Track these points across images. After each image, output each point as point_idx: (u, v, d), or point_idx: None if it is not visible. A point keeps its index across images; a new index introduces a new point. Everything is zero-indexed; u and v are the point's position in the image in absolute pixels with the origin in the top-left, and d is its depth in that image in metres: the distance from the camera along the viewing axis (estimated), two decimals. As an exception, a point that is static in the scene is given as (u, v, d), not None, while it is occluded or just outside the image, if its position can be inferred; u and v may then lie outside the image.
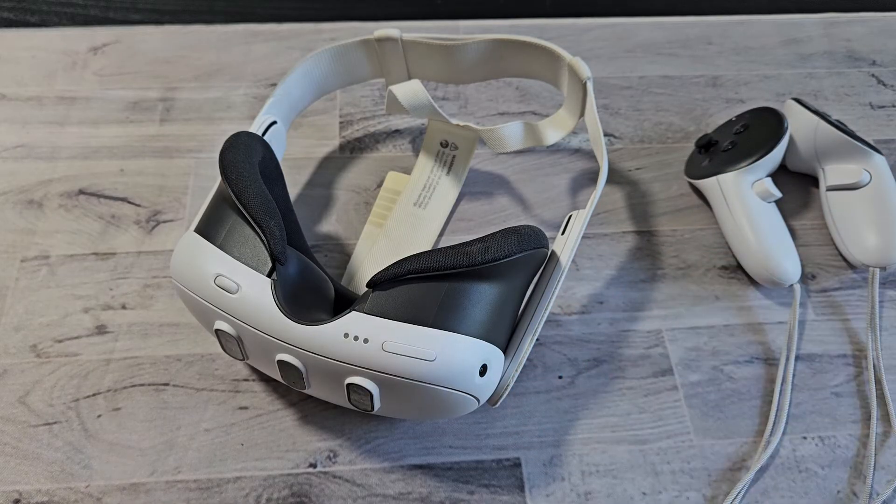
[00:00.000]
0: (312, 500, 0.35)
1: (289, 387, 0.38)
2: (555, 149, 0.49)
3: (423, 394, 0.29)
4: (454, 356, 0.28)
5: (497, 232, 0.30)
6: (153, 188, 0.45)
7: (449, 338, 0.28)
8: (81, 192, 0.45)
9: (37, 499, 0.34)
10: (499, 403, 0.33)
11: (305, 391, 0.33)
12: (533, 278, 0.34)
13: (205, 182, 0.46)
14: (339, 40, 0.44)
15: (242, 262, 0.30)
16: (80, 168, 0.46)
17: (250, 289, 0.29)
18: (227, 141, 0.34)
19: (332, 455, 0.36)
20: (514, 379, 0.32)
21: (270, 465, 0.36)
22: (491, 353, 0.30)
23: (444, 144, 0.47)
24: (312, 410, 0.37)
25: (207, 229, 0.32)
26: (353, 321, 0.28)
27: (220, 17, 0.55)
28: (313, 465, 0.36)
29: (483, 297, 0.29)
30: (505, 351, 0.32)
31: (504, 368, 0.32)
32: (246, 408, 0.37)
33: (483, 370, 0.29)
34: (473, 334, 0.29)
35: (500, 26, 0.56)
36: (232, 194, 0.31)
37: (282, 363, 0.30)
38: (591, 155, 0.49)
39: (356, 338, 0.28)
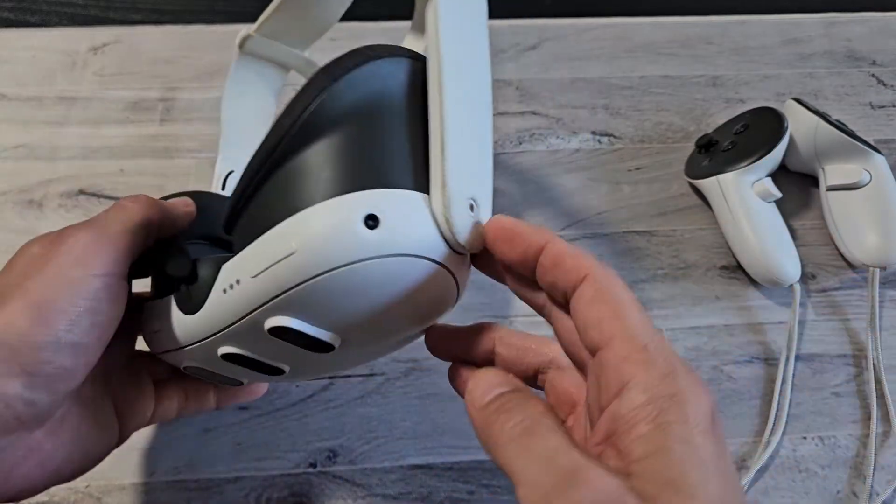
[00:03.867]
0: (312, 500, 0.35)
1: (287, 387, 0.38)
2: (555, 149, 0.49)
3: (330, 295, 0.23)
4: (316, 229, 0.22)
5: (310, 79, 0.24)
6: (153, 188, 0.45)
7: (298, 220, 0.22)
8: (81, 192, 0.45)
9: (37, 498, 0.34)
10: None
11: (282, 377, 0.29)
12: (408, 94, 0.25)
13: (205, 182, 0.46)
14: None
15: (161, 315, 0.28)
16: (80, 168, 0.46)
17: (167, 319, 0.27)
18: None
19: (331, 455, 0.36)
20: (489, 209, 0.25)
21: (270, 465, 0.36)
22: (372, 200, 0.22)
23: None
24: (312, 410, 0.37)
25: (156, 293, 0.30)
26: (223, 275, 0.24)
27: (220, 17, 0.55)
28: (313, 465, 0.36)
29: (320, 156, 0.23)
30: (426, 188, 0.24)
31: (442, 204, 0.23)
32: (246, 408, 0.37)
33: (371, 220, 0.22)
34: (334, 194, 0.22)
35: (500, 26, 0.56)
36: (162, 260, 0.28)
37: (228, 356, 0.26)
38: (591, 155, 0.49)
39: (229, 287, 0.24)
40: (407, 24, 0.39)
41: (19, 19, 0.55)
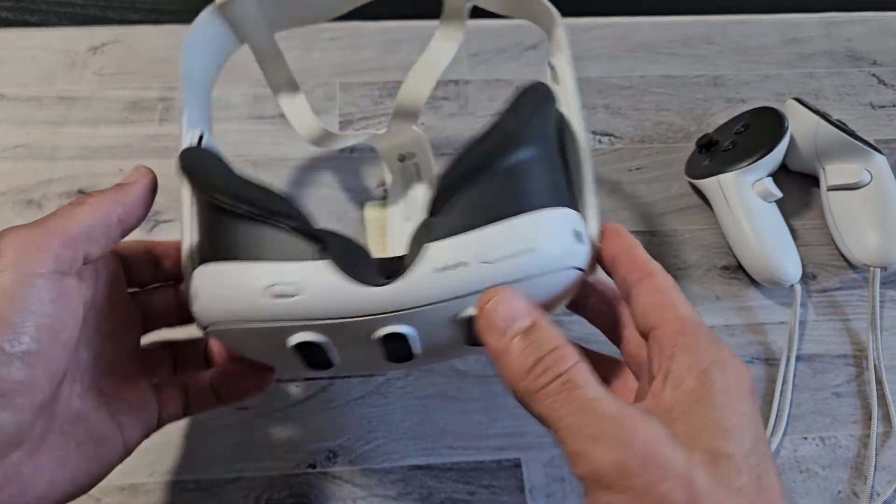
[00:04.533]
0: (312, 500, 0.35)
1: (287, 387, 0.38)
2: (555, 148, 0.49)
3: (536, 288, 0.25)
4: (551, 234, 0.25)
5: (512, 99, 0.27)
6: (153, 188, 0.45)
7: (536, 218, 0.25)
8: (81, 192, 0.45)
9: (36, 499, 0.34)
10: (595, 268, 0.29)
11: (408, 365, 0.29)
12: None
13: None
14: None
15: (283, 261, 0.25)
16: (79, 168, 0.46)
17: (312, 281, 0.25)
18: (182, 159, 0.28)
19: (331, 455, 0.36)
20: (599, 233, 0.29)
21: (270, 465, 0.36)
22: (574, 217, 0.27)
23: (402, 158, 0.45)
24: (312, 411, 0.37)
25: (216, 253, 0.26)
26: (437, 253, 0.24)
27: (219, 17, 0.55)
28: (313, 466, 0.36)
29: (538, 165, 0.26)
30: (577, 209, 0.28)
31: (585, 227, 0.28)
32: (246, 408, 0.37)
33: (577, 236, 0.26)
34: (551, 204, 0.26)
35: (500, 25, 0.56)
36: (225, 197, 0.26)
37: (388, 338, 0.26)
38: (591, 154, 0.48)
39: (452, 266, 0.24)
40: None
41: (18, 19, 0.54)
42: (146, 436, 0.29)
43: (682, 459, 0.19)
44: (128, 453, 0.28)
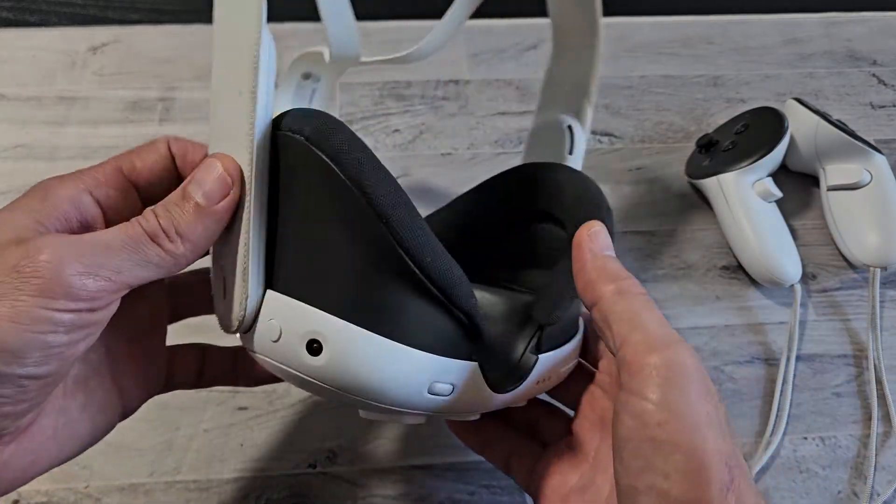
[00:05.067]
0: (312, 500, 0.35)
1: (287, 387, 0.38)
2: (555, 148, 0.49)
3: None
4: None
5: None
6: (153, 188, 0.45)
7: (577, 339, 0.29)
8: (81, 191, 0.45)
9: (36, 499, 0.34)
10: None
11: None
12: None
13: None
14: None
15: (444, 356, 0.23)
16: (79, 168, 0.46)
17: (465, 383, 0.24)
18: (321, 128, 0.22)
19: (331, 455, 0.36)
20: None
21: (270, 465, 0.36)
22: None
23: (306, 76, 0.38)
24: (312, 411, 0.37)
25: (364, 314, 0.22)
26: (543, 366, 0.27)
27: (219, 17, 0.55)
28: (313, 466, 0.36)
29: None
30: None
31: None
32: (245, 408, 0.37)
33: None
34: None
35: (500, 25, 0.56)
36: (405, 256, 0.21)
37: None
38: (591, 154, 0.48)
39: (545, 379, 0.27)
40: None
41: (18, 19, 0.54)
42: (149, 397, 0.28)
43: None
44: (127, 415, 0.27)
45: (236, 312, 0.23)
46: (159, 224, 0.22)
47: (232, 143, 0.23)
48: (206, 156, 0.24)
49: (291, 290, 0.23)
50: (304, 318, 0.22)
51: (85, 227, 0.23)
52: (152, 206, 0.23)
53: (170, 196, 0.23)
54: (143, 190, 0.25)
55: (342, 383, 0.23)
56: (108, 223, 0.24)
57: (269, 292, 0.23)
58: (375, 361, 0.22)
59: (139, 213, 0.23)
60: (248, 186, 0.22)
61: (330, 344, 0.22)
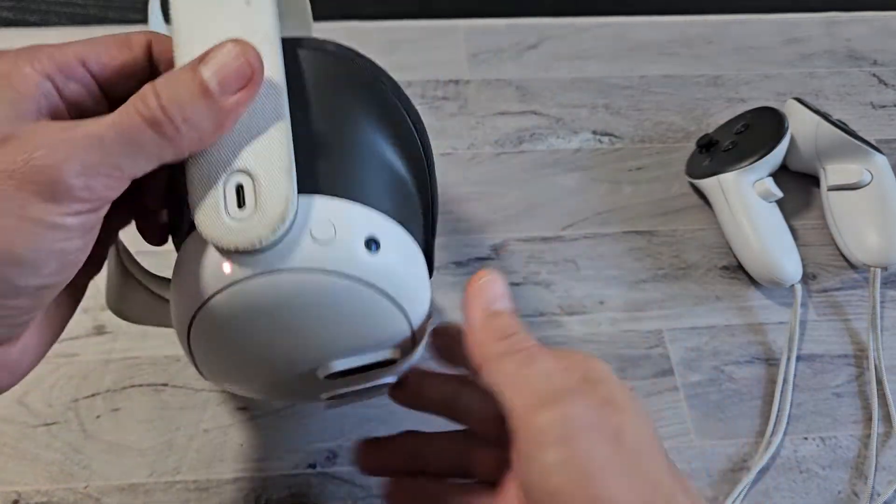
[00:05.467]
0: (312, 500, 0.35)
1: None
2: (555, 149, 0.49)
3: None
4: None
5: None
6: (152, 188, 0.45)
7: None
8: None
9: (36, 499, 0.34)
10: None
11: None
12: None
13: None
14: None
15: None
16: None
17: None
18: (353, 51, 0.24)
19: (331, 456, 0.36)
20: None
21: (269, 465, 0.36)
22: None
23: None
24: (312, 411, 0.37)
25: (404, 220, 0.25)
26: None
27: (219, 17, 0.55)
28: (312, 466, 0.36)
29: None
30: None
31: None
32: (245, 408, 0.37)
33: None
34: None
35: (500, 25, 0.56)
36: (429, 178, 0.27)
37: None
38: (591, 154, 0.48)
39: None
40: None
41: (19, 18, 0.54)
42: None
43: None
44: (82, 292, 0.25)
45: (277, 218, 0.20)
46: (163, 110, 0.19)
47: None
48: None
49: (339, 193, 0.22)
50: (367, 218, 0.23)
51: (54, 118, 0.21)
52: (152, 84, 0.20)
53: (175, 74, 0.20)
54: (105, 89, 0.22)
55: (389, 280, 0.23)
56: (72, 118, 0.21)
57: (317, 195, 0.22)
58: (414, 262, 0.24)
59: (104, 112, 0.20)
60: (278, 85, 0.21)
61: (385, 242, 0.23)
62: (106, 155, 0.19)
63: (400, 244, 0.24)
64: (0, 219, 0.18)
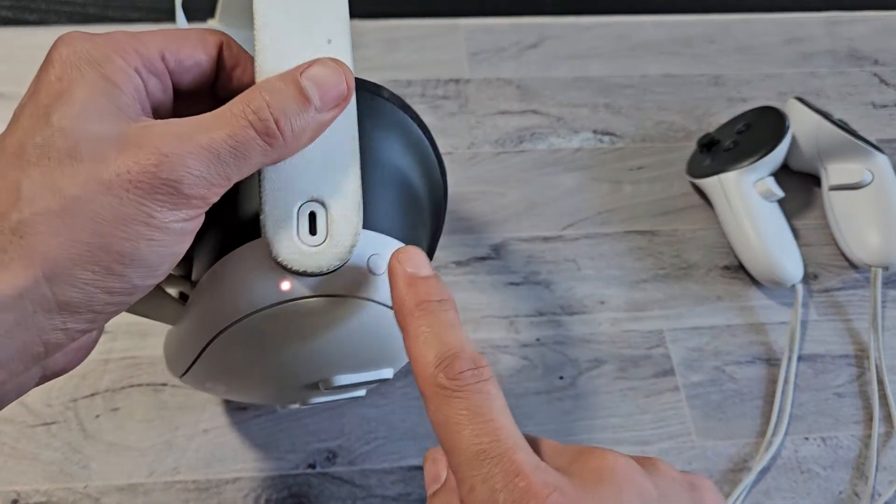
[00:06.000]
0: (311, 500, 0.35)
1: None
2: (556, 148, 0.48)
3: None
4: None
5: None
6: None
7: None
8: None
9: (35, 499, 0.34)
10: None
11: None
12: None
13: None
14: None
15: None
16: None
17: None
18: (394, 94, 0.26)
19: (331, 456, 0.36)
20: None
21: (269, 465, 0.36)
22: None
23: None
24: (311, 411, 0.37)
25: (426, 248, 0.28)
26: None
27: (219, 16, 0.55)
28: (312, 466, 0.36)
29: None
30: None
31: None
32: (244, 408, 0.37)
33: None
34: None
35: (501, 24, 0.55)
36: (444, 202, 0.31)
37: None
38: (592, 154, 0.48)
39: None
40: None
41: (18, 18, 0.54)
42: None
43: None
44: None
45: (346, 250, 0.22)
46: (274, 121, 0.20)
47: None
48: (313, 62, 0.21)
49: (383, 229, 0.24)
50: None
51: (146, 114, 0.22)
52: (259, 92, 0.20)
53: (278, 86, 0.20)
54: (174, 82, 0.23)
55: None
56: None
57: (366, 230, 0.23)
58: None
59: (170, 111, 0.21)
60: (352, 121, 0.23)
61: None
62: (222, 166, 0.20)
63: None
64: (129, 225, 0.19)
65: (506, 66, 0.53)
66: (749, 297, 0.43)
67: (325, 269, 0.22)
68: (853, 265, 0.44)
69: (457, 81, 0.51)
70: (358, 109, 0.23)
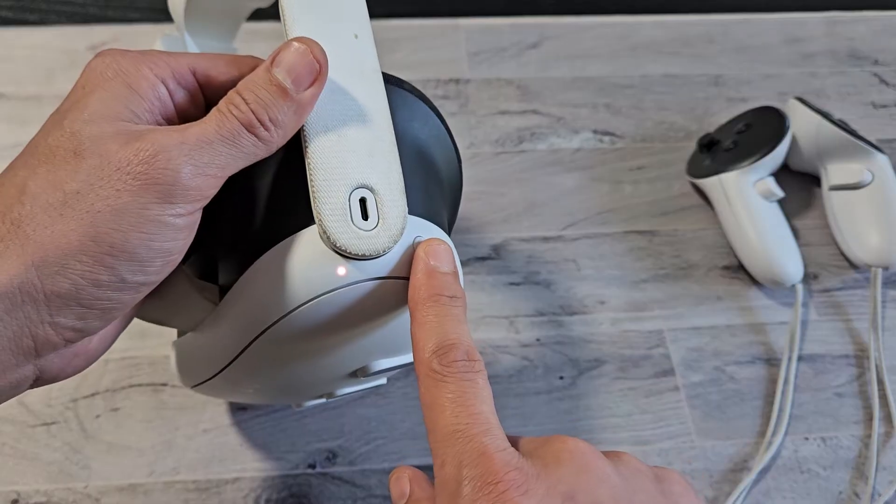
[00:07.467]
0: (311, 500, 0.35)
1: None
2: (556, 148, 0.48)
3: None
4: None
5: None
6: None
7: None
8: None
9: (35, 499, 0.34)
10: None
11: None
12: None
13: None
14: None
15: None
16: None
17: None
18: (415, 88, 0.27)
19: (331, 456, 0.36)
20: None
21: (269, 465, 0.36)
22: None
23: None
24: (311, 411, 0.37)
25: (447, 228, 0.28)
26: None
27: (219, 16, 0.55)
28: (312, 466, 0.36)
29: None
30: None
31: None
32: (244, 408, 0.37)
33: None
34: None
35: (501, 24, 0.55)
36: (460, 189, 0.30)
37: None
38: (592, 154, 0.48)
39: None
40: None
41: (18, 18, 0.54)
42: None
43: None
44: None
45: (398, 231, 0.23)
46: (253, 113, 0.21)
47: (351, 79, 0.24)
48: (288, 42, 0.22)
49: (421, 213, 0.25)
50: (440, 235, 0.25)
51: (167, 121, 0.23)
52: (236, 91, 0.22)
53: (253, 79, 0.22)
54: (207, 98, 0.24)
55: None
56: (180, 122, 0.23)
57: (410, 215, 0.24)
58: None
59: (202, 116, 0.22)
60: (385, 111, 0.24)
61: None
62: (214, 156, 0.20)
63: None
64: (123, 216, 0.19)
65: (506, 66, 0.53)
66: (749, 297, 0.43)
67: (381, 252, 0.23)
68: (853, 265, 0.44)
69: (457, 81, 0.51)
70: (397, 109, 0.24)
